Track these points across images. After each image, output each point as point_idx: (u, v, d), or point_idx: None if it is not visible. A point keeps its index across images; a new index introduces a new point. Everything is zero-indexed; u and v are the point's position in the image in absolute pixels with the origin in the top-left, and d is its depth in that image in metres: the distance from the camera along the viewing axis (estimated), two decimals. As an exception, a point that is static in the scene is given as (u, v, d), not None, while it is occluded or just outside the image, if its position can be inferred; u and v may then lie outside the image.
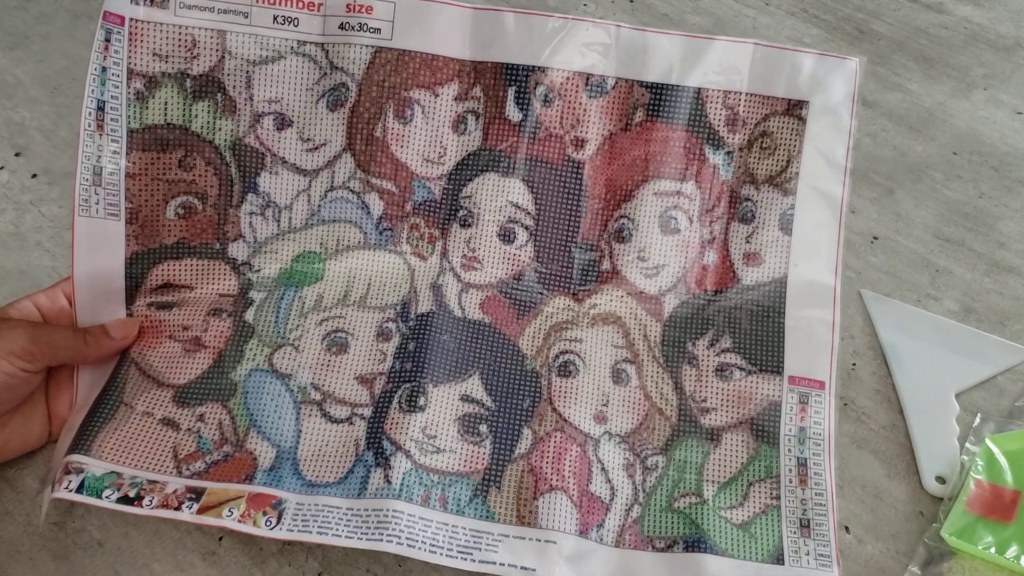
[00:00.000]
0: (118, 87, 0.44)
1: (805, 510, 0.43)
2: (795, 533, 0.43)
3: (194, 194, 0.46)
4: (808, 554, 0.42)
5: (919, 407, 0.49)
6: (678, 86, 0.49)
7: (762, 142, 0.49)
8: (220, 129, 0.46)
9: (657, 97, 0.49)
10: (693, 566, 0.41)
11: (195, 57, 0.45)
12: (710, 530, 0.43)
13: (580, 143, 0.49)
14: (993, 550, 0.42)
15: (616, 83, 0.48)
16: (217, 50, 0.45)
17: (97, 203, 0.45)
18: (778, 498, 0.44)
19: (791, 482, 0.44)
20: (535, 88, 0.48)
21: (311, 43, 0.46)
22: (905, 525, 0.45)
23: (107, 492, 0.39)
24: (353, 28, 0.46)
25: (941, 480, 0.46)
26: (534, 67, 0.48)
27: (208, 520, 0.39)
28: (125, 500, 0.39)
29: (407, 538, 0.39)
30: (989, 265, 0.56)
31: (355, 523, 0.40)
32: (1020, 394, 0.50)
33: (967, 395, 0.50)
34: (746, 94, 0.49)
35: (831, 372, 0.47)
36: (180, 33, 0.45)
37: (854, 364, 0.51)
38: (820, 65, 0.49)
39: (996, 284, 0.55)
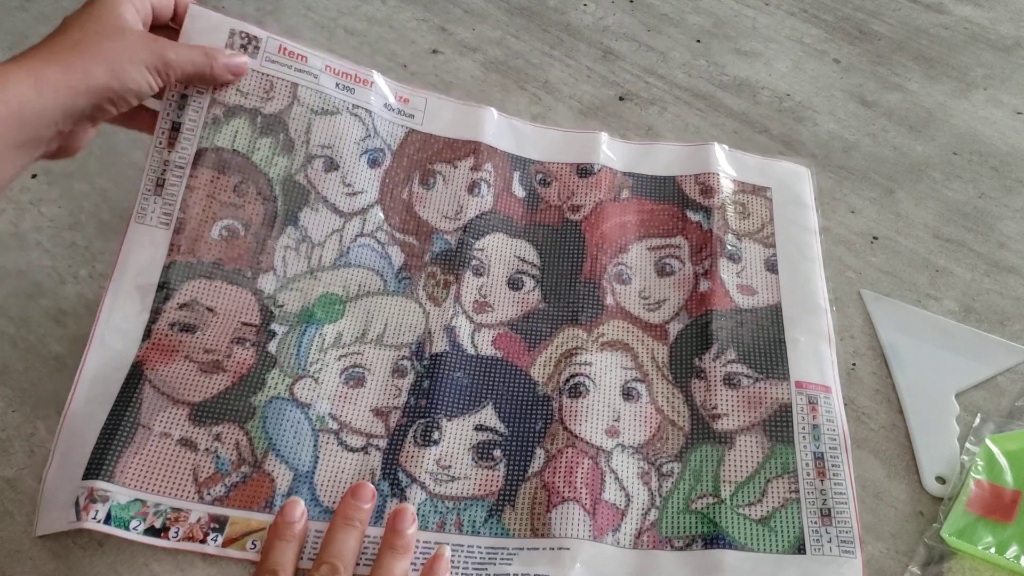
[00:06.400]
0: (198, 112, 0.49)
1: (825, 500, 0.44)
2: (816, 522, 0.43)
3: (240, 220, 0.49)
4: (830, 541, 0.43)
5: (919, 407, 0.49)
6: (654, 176, 0.57)
7: (736, 207, 0.56)
8: (276, 164, 0.51)
9: (637, 182, 0.57)
10: (712, 562, 0.42)
11: (270, 99, 0.51)
12: (728, 527, 0.43)
13: (576, 208, 0.55)
14: (993, 550, 0.42)
15: (601, 168, 0.57)
16: (288, 97, 0.52)
17: (153, 212, 0.48)
18: (797, 491, 0.44)
19: (809, 475, 0.45)
20: (535, 174, 0.57)
21: (363, 108, 0.54)
22: (905, 525, 0.45)
23: (134, 523, 0.41)
24: (393, 110, 0.55)
25: (941, 480, 0.46)
26: (534, 160, 0.57)
27: (233, 553, 0.41)
28: (152, 531, 0.41)
29: (422, 564, 0.41)
30: (989, 265, 0.56)
31: (372, 551, 0.41)
32: (1020, 394, 0.50)
33: (967, 395, 0.50)
34: (715, 174, 0.57)
35: (835, 378, 0.49)
36: (262, 78, 0.51)
37: (854, 364, 0.51)
38: (777, 166, 0.59)
39: (996, 284, 0.55)
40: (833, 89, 0.67)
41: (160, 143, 0.49)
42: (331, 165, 0.52)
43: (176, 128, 0.49)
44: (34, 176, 0.56)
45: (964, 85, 0.68)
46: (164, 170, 0.49)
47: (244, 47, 0.51)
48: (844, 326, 0.53)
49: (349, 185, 0.52)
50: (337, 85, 0.53)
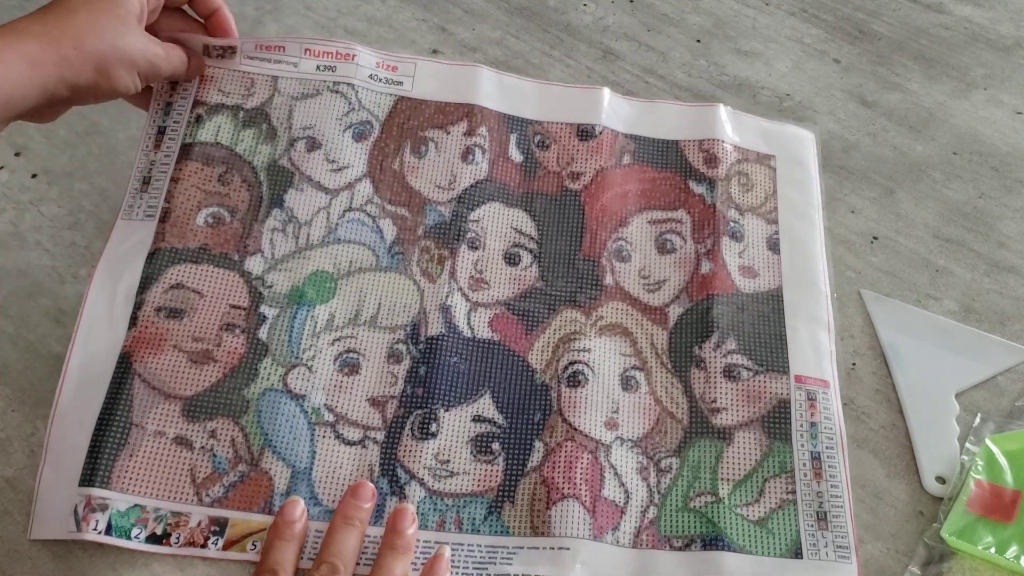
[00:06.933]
0: (181, 115, 0.51)
1: (821, 503, 0.44)
2: (812, 526, 0.43)
3: (225, 207, 0.50)
4: (826, 546, 0.43)
5: (919, 407, 0.49)
6: (656, 139, 0.56)
7: (739, 179, 0.55)
8: (260, 152, 0.51)
9: (640, 146, 0.56)
10: (711, 564, 0.42)
11: (251, 95, 0.52)
12: (727, 528, 0.43)
13: (575, 176, 0.54)
14: (993, 550, 0.42)
15: (603, 130, 0.55)
16: (269, 90, 0.53)
17: (139, 207, 0.49)
18: (794, 492, 0.44)
19: (806, 476, 0.45)
20: (533, 136, 0.55)
21: (344, 83, 0.53)
22: (905, 525, 0.45)
23: (135, 531, 0.41)
24: (380, 80, 0.54)
25: (941, 480, 0.46)
26: (531, 120, 0.55)
27: (234, 555, 0.41)
28: (153, 538, 0.41)
29: (423, 564, 0.41)
30: (989, 265, 0.56)
31: (372, 550, 0.41)
32: (1020, 394, 0.50)
33: (967, 395, 0.50)
34: (719, 141, 0.55)
35: (834, 373, 0.49)
36: (242, 76, 0.53)
37: (854, 364, 0.51)
38: (781, 130, 0.58)
39: (996, 284, 0.55)
40: (833, 89, 0.67)
41: (147, 146, 0.50)
42: (313, 144, 0.52)
43: (162, 132, 0.51)
44: (34, 176, 0.56)
45: (964, 85, 0.68)
46: (151, 169, 0.50)
47: (221, 56, 0.52)
48: (844, 326, 0.53)
49: (333, 161, 0.52)
50: (318, 67, 0.53)
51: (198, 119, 0.51)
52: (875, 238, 0.57)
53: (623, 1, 0.73)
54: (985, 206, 0.60)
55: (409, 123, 0.53)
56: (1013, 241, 0.58)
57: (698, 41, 0.70)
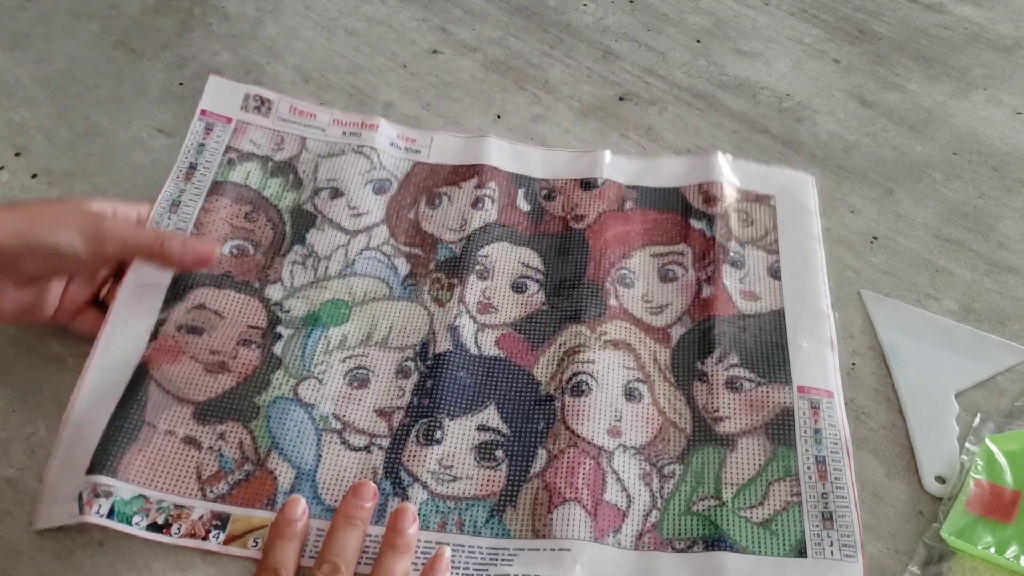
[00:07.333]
0: (214, 156, 0.55)
1: (827, 503, 0.44)
2: (818, 526, 0.43)
3: (250, 241, 0.53)
4: (832, 545, 0.43)
5: (919, 407, 0.49)
6: (657, 188, 0.58)
7: (739, 215, 0.56)
8: (286, 198, 0.55)
9: (641, 194, 0.58)
10: (713, 564, 0.42)
11: (280, 150, 0.57)
12: (730, 530, 0.43)
13: (579, 218, 0.56)
14: (993, 550, 0.42)
15: (605, 182, 0.57)
16: (297, 148, 0.57)
17: (167, 226, 0.51)
18: (799, 494, 0.44)
19: (811, 478, 0.45)
20: (540, 190, 0.58)
21: (367, 147, 0.58)
22: (905, 525, 0.45)
23: (136, 519, 0.41)
24: (399, 148, 0.59)
25: (941, 480, 0.46)
26: (538, 177, 0.58)
27: (234, 551, 0.42)
28: (154, 527, 0.41)
29: (423, 564, 0.41)
30: (989, 265, 0.56)
31: (373, 549, 0.42)
32: (1020, 394, 0.50)
33: (967, 395, 0.50)
34: (717, 183, 0.57)
35: (838, 384, 0.49)
36: (274, 134, 0.57)
37: (854, 364, 0.51)
38: (779, 173, 0.59)
39: (996, 284, 0.55)
40: (833, 89, 0.67)
41: (178, 177, 0.53)
42: (336, 193, 0.55)
43: (193, 167, 0.54)
44: (34, 176, 0.56)
45: (964, 85, 0.68)
46: (180, 195, 0.53)
47: (258, 108, 0.57)
48: (844, 326, 0.53)
49: (354, 208, 0.55)
50: (344, 133, 0.58)
51: (230, 162, 0.55)
52: (875, 238, 0.57)
53: (623, 1, 0.73)
54: (985, 206, 0.60)
55: (425, 182, 0.57)
56: (1013, 241, 0.58)
57: (698, 41, 0.70)
